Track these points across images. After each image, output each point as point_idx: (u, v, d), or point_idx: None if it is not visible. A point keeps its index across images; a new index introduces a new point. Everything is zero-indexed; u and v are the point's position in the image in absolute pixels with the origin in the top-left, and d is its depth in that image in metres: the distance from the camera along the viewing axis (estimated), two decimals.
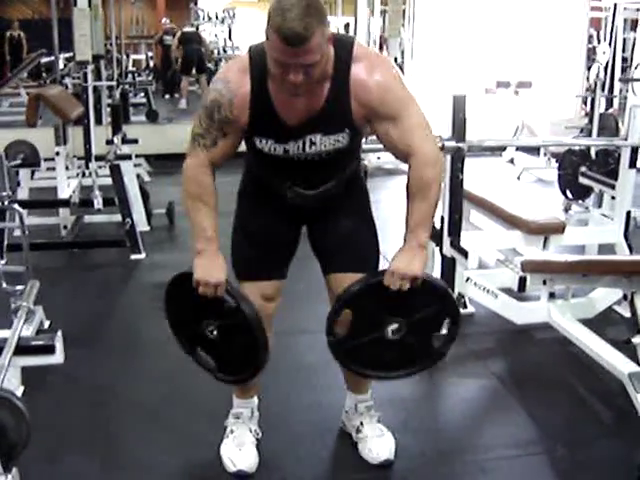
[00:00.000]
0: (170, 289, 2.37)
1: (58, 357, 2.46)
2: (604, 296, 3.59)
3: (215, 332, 2.29)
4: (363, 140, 2.46)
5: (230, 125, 2.13)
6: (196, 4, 16.56)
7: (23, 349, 2.44)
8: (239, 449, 2.53)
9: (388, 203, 6.07)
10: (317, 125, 2.12)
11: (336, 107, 2.09)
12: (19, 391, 2.52)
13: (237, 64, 2.17)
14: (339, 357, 2.38)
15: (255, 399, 2.64)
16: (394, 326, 2.25)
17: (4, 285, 2.81)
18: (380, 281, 2.20)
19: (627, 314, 3.65)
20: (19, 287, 2.92)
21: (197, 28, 12.33)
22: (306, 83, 1.95)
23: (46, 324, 3.09)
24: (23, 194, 5.20)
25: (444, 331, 2.29)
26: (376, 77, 2.07)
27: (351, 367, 2.42)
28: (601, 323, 3.49)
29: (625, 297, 3.35)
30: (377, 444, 2.57)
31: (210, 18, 15.98)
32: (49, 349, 2.45)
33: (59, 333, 2.48)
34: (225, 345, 2.32)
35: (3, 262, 4.28)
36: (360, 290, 2.23)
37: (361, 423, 2.61)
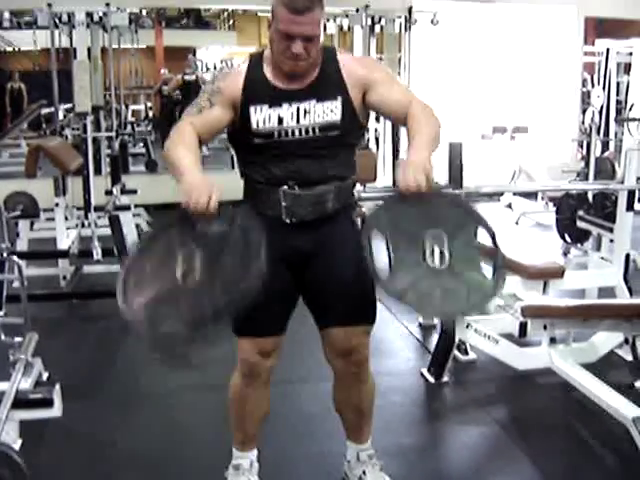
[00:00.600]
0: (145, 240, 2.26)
1: (56, 410, 2.46)
2: (605, 340, 3.58)
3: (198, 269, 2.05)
4: (361, 188, 2.47)
5: (218, 95, 2.24)
6: (194, 54, 16.76)
7: (21, 402, 2.44)
8: None
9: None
10: (311, 92, 2.22)
11: (328, 77, 2.24)
12: (17, 444, 2.50)
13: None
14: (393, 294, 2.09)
15: (255, 450, 2.61)
16: (435, 242, 2.08)
17: (3, 337, 2.81)
18: (397, 194, 2.09)
19: (629, 357, 3.64)
20: (18, 339, 2.92)
21: (197, 77, 12.44)
22: (304, 59, 2.14)
23: (45, 376, 3.08)
24: (22, 245, 5.21)
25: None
26: (362, 57, 2.44)
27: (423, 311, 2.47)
28: (603, 367, 3.47)
29: (627, 340, 3.36)
30: None
31: (208, 68, 16.17)
32: (47, 402, 2.44)
33: (57, 386, 2.48)
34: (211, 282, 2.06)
35: (2, 314, 4.27)
36: (381, 206, 2.16)
37: (364, 472, 2.58)
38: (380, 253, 2.08)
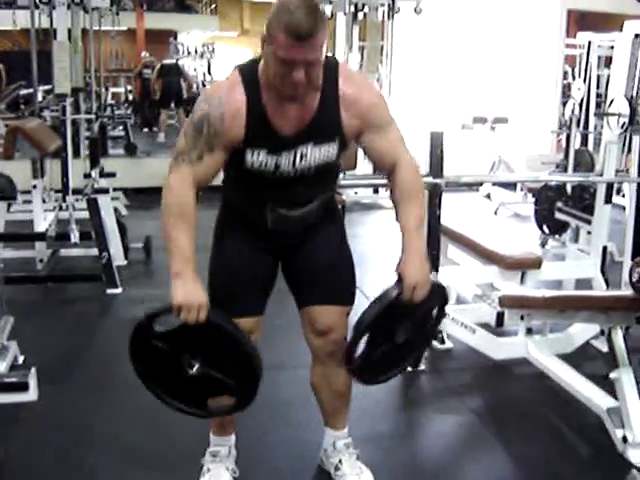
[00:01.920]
0: (137, 338, 2.20)
1: (32, 394, 2.44)
2: (581, 331, 3.61)
3: (197, 366, 2.20)
4: (341, 175, 2.48)
5: (218, 139, 2.10)
6: (175, 38, 16.66)
7: None
8: None
9: (366, 238, 6.11)
10: (309, 135, 2.14)
11: (326, 116, 2.13)
12: None
13: (227, 81, 2.15)
14: (362, 379, 2.45)
15: (232, 437, 2.61)
16: (403, 331, 2.30)
17: None
18: (395, 299, 2.20)
19: (605, 349, 3.67)
20: None
21: (177, 61, 12.37)
22: (305, 86, 2.00)
23: (20, 359, 3.07)
24: None
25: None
26: (364, 91, 2.17)
27: (370, 382, 2.49)
28: (579, 358, 3.51)
29: (602, 332, 3.38)
30: None
31: (189, 52, 16.09)
32: (22, 386, 2.43)
33: (33, 370, 2.46)
34: (218, 371, 2.23)
35: None
36: (379, 313, 2.22)
37: (340, 461, 2.58)
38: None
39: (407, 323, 2.29)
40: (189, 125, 2.14)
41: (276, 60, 1.97)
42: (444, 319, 2.55)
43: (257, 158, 2.14)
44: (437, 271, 3.62)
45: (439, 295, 2.35)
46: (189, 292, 2.07)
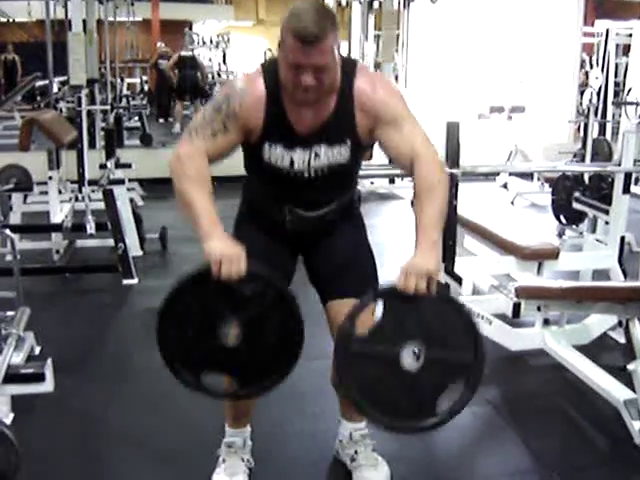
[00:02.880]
0: (168, 304, 2.11)
1: (48, 385, 2.45)
2: (599, 322, 3.59)
3: (235, 334, 2.08)
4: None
5: (235, 121, 2.12)
6: (191, 29, 16.64)
7: (13, 377, 2.43)
8: (231, 479, 2.50)
9: (382, 228, 6.09)
10: (323, 135, 2.15)
11: (341, 117, 2.14)
12: (8, 419, 2.50)
13: (250, 74, 2.19)
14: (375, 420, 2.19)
15: (248, 428, 2.61)
16: (413, 355, 2.04)
17: None
18: (392, 288, 2.04)
19: (622, 340, 3.64)
20: (9, 313, 2.91)
21: (193, 52, 12.37)
22: (316, 90, 2.02)
23: (37, 350, 3.07)
24: (15, 218, 5.18)
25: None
26: (378, 87, 2.16)
27: (389, 427, 2.22)
28: (596, 349, 3.49)
29: (620, 323, 3.35)
30: (372, 473, 2.54)
31: (204, 42, 16.06)
32: (39, 377, 2.43)
33: (49, 361, 2.46)
34: (251, 345, 2.11)
35: None
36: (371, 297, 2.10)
37: (355, 452, 2.58)
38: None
39: (416, 343, 2.05)
40: (209, 105, 2.19)
41: (286, 64, 2.00)
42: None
43: (274, 152, 2.16)
44: (453, 262, 3.62)
45: (455, 311, 2.12)
46: (227, 245, 2.04)
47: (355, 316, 2.08)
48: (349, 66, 2.15)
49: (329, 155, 2.18)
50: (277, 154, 2.17)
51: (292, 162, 2.18)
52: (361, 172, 2.48)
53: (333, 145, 2.17)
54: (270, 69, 2.14)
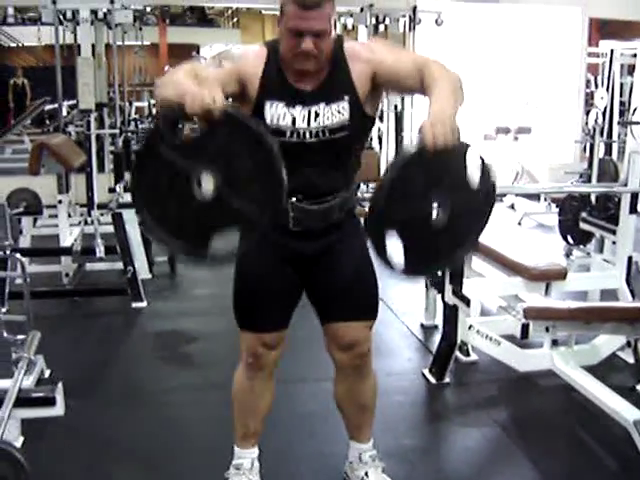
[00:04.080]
0: (149, 149, 1.96)
1: (59, 409, 2.46)
2: (607, 342, 3.58)
3: (211, 184, 1.91)
4: (364, 187, 2.47)
5: (234, 68, 2.17)
6: (198, 52, 16.76)
7: (23, 401, 2.44)
8: None
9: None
10: (320, 94, 2.19)
11: (337, 75, 2.20)
12: (19, 442, 2.51)
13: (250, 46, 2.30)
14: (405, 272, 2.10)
15: (256, 449, 2.61)
16: (439, 209, 2.01)
17: (5, 334, 2.81)
18: (416, 150, 1.95)
19: (631, 360, 3.64)
20: (20, 337, 2.93)
21: None
22: (315, 57, 2.09)
23: (47, 373, 3.10)
24: (25, 242, 5.21)
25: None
26: (367, 44, 2.37)
27: (415, 273, 2.25)
28: (605, 370, 3.47)
29: (629, 344, 3.35)
30: None
31: None
32: (50, 401, 2.45)
33: (60, 385, 2.48)
34: (232, 191, 1.93)
35: (4, 311, 4.27)
36: (398, 169, 2.00)
37: (366, 474, 2.58)
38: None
39: (439, 192, 2.01)
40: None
41: (287, 32, 2.09)
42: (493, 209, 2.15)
43: (275, 110, 2.18)
44: (461, 283, 3.62)
45: (469, 154, 2.08)
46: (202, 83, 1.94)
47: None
48: (337, 38, 2.21)
49: (328, 114, 2.19)
50: (279, 112, 2.18)
51: (294, 120, 2.18)
52: (367, 194, 2.48)
53: (331, 102, 2.19)
54: (272, 43, 2.23)
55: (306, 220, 2.28)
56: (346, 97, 2.20)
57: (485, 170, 2.10)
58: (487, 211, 2.16)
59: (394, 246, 2.03)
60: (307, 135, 2.19)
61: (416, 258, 2.08)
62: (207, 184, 1.91)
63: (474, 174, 2.07)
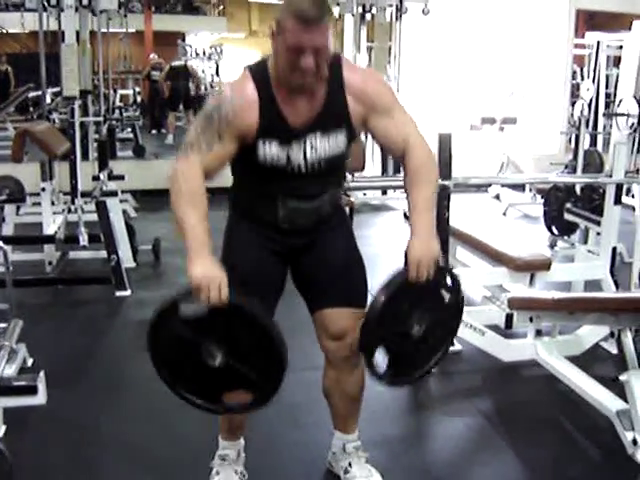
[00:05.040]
0: (160, 324, 2.10)
1: (41, 398, 2.44)
2: (591, 333, 3.60)
3: (219, 356, 2.10)
4: (350, 177, 2.48)
5: (229, 128, 2.12)
6: (184, 40, 16.67)
7: (5, 390, 2.43)
8: None
9: (375, 239, 6.10)
10: (317, 124, 2.18)
11: (333, 105, 2.18)
12: (1, 431, 2.49)
13: (237, 80, 2.20)
14: (390, 383, 2.41)
15: (241, 440, 2.61)
16: (417, 322, 2.24)
17: None
18: (403, 281, 2.17)
19: (614, 351, 3.66)
20: (2, 325, 2.91)
21: (185, 63, 12.38)
22: (313, 74, 2.05)
23: (29, 362, 3.07)
24: (8, 230, 5.17)
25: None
26: (368, 78, 2.25)
27: (396, 383, 2.51)
28: (588, 360, 3.49)
29: (612, 334, 3.37)
30: None
31: (197, 54, 16.09)
32: (32, 390, 2.43)
33: (42, 373, 2.46)
34: (240, 362, 2.13)
35: None
36: (388, 298, 2.17)
37: (349, 464, 2.58)
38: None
39: (419, 311, 2.24)
40: (200, 117, 2.18)
41: (286, 49, 2.03)
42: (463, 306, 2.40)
43: (269, 150, 2.16)
44: None
45: (446, 277, 2.30)
46: (207, 269, 2.01)
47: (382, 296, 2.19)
48: (334, 57, 2.17)
49: (325, 146, 2.19)
50: (272, 152, 2.16)
51: (288, 158, 2.18)
52: (353, 184, 2.49)
53: (328, 133, 2.18)
54: (258, 69, 2.18)
55: (296, 218, 2.30)
56: (343, 127, 2.21)
57: (456, 285, 2.33)
58: (458, 319, 2.45)
59: (380, 358, 2.27)
60: (302, 166, 2.20)
61: (400, 368, 2.33)
62: (216, 353, 2.10)
63: (446, 289, 2.32)
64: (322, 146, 2.19)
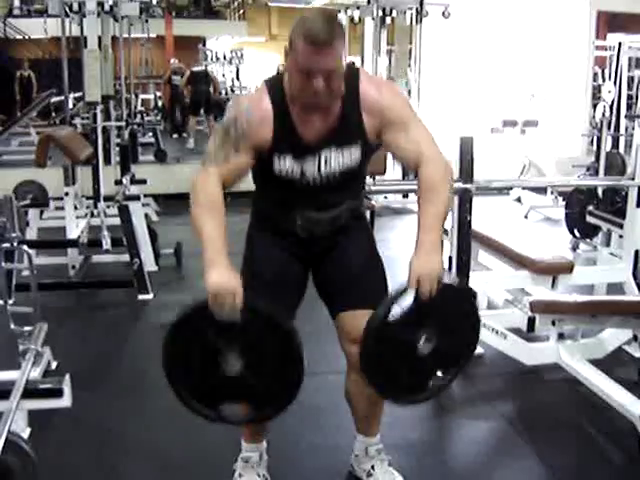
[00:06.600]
0: (173, 336, 2.13)
1: (66, 400, 2.47)
2: (614, 336, 3.57)
3: (237, 364, 2.11)
4: (371, 181, 2.48)
5: (245, 141, 2.15)
6: (204, 45, 16.76)
7: (31, 392, 2.45)
8: None
9: (395, 242, 6.09)
10: (331, 139, 2.19)
11: (349, 120, 2.19)
12: (26, 433, 2.52)
13: (254, 93, 2.27)
14: (391, 397, 2.37)
15: (264, 443, 2.62)
16: (425, 340, 2.19)
17: (12, 326, 2.81)
18: (399, 296, 2.16)
19: (637, 354, 3.64)
20: (27, 328, 2.94)
21: (206, 68, 12.44)
22: (325, 94, 2.06)
23: (53, 365, 3.10)
24: (32, 234, 5.23)
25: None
26: (384, 90, 2.24)
27: (401, 401, 2.42)
28: (611, 363, 3.47)
29: (635, 337, 3.35)
30: None
31: (218, 58, 16.17)
32: (57, 393, 2.45)
33: (67, 376, 2.48)
34: (255, 374, 2.14)
35: (11, 302, 4.28)
36: (383, 315, 2.17)
37: (372, 467, 2.58)
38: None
39: (427, 330, 2.19)
40: (218, 129, 2.23)
41: (297, 69, 2.05)
42: (480, 327, 2.35)
43: (284, 164, 2.20)
44: (467, 276, 3.61)
45: (459, 297, 2.28)
46: (223, 277, 2.04)
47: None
48: (352, 70, 2.20)
49: (339, 160, 2.21)
50: (287, 166, 2.20)
51: (303, 172, 2.21)
52: (374, 187, 2.49)
53: (343, 148, 2.20)
54: (275, 84, 2.20)
55: (314, 228, 2.33)
56: (358, 142, 2.22)
57: (471, 307, 2.31)
58: (471, 343, 2.36)
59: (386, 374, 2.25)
60: (317, 179, 2.23)
61: (404, 386, 2.30)
62: (232, 360, 2.11)
63: (459, 309, 2.27)
64: (336, 160, 2.21)
